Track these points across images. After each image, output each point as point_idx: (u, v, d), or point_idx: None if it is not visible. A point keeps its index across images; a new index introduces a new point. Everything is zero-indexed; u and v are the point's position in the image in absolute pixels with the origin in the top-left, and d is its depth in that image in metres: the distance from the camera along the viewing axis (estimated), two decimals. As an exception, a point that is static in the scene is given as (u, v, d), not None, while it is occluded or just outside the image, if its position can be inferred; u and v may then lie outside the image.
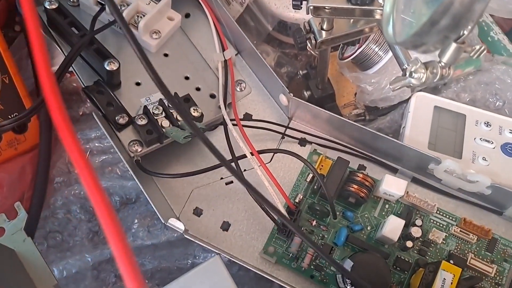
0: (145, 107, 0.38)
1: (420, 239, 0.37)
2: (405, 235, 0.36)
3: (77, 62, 0.39)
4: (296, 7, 0.33)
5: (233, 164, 0.37)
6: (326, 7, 0.32)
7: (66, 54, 0.38)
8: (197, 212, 0.39)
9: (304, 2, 0.33)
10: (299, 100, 0.39)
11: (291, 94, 0.39)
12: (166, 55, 0.42)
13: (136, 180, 0.35)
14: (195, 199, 0.39)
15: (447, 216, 0.38)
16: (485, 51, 0.26)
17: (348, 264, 0.33)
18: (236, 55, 0.44)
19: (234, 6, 0.46)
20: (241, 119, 0.41)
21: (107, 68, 0.37)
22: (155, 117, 0.37)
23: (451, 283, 0.33)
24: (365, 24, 0.35)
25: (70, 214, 0.41)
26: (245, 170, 0.38)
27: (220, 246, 0.38)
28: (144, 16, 0.40)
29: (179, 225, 0.35)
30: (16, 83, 0.40)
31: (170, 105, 0.38)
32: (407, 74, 0.29)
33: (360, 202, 0.38)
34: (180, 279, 0.30)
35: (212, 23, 0.44)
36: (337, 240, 0.37)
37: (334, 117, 0.39)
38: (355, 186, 0.37)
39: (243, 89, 0.43)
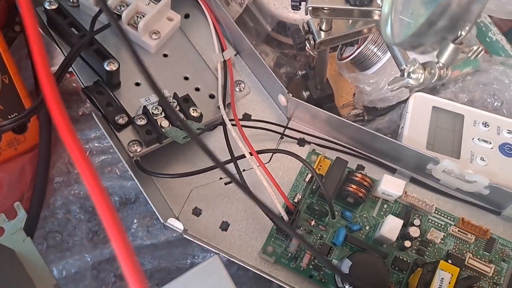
0: (145, 107, 0.38)
1: (419, 239, 0.37)
2: (404, 235, 0.36)
3: (77, 62, 0.39)
4: (295, 7, 0.33)
5: (232, 164, 0.37)
6: (325, 8, 0.32)
7: (66, 55, 0.38)
8: (196, 212, 0.39)
9: (303, 3, 0.33)
10: (298, 100, 0.39)
11: (290, 95, 0.39)
12: (165, 55, 0.42)
13: (136, 180, 0.35)
14: (194, 199, 0.39)
15: (445, 216, 0.38)
16: (482, 52, 0.26)
17: (346, 264, 0.33)
18: (235, 55, 0.44)
19: (233, 6, 0.46)
20: (240, 119, 0.41)
21: (107, 68, 0.37)
22: (155, 117, 0.37)
23: (449, 282, 0.33)
24: (364, 25, 0.36)
25: (69, 214, 0.41)
26: (244, 170, 0.38)
27: (219, 246, 0.38)
28: (143, 16, 0.40)
29: (178, 225, 0.35)
30: (16, 83, 0.40)
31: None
32: (405, 74, 0.29)
33: (359, 202, 0.38)
34: (179, 279, 0.30)
35: (211, 24, 0.44)
36: (335, 240, 0.37)
37: (333, 118, 0.39)
38: (354, 186, 0.37)
39: (242, 89, 0.43)
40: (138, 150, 0.37)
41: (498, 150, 0.40)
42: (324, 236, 0.38)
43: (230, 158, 0.38)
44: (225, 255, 0.36)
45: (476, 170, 0.38)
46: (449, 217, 0.38)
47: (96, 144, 0.43)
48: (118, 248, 0.14)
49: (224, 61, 0.43)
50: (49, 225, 0.41)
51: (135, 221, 0.41)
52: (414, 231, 0.36)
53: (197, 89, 0.41)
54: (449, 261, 0.35)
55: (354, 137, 0.40)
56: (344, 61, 0.46)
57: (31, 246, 0.32)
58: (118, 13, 0.39)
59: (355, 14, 0.32)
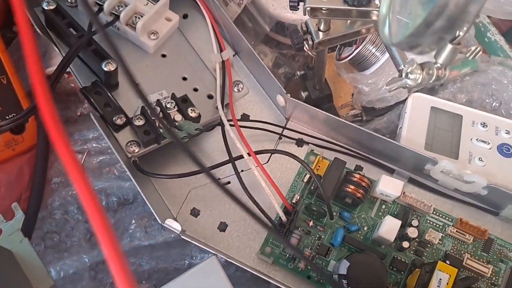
0: (143, 107, 0.38)
1: (417, 239, 0.37)
2: (402, 235, 0.36)
3: (75, 62, 0.39)
4: (293, 8, 0.33)
5: (230, 164, 0.37)
6: (323, 8, 0.32)
7: (64, 55, 0.38)
8: (195, 212, 0.39)
9: (301, 3, 0.33)
10: (296, 100, 0.39)
11: (289, 95, 0.39)
12: (164, 55, 0.42)
13: (133, 180, 0.35)
14: (193, 199, 0.39)
15: (444, 217, 0.38)
16: (480, 52, 0.26)
17: (344, 265, 0.33)
18: (233, 55, 0.44)
19: (231, 7, 0.46)
20: (238, 120, 0.41)
21: (105, 69, 0.37)
22: (153, 118, 0.37)
23: (447, 283, 0.33)
24: (362, 25, 0.36)
25: (67, 214, 0.41)
26: (242, 170, 0.38)
27: (217, 246, 0.38)
28: (142, 17, 0.40)
29: (176, 226, 0.35)
30: (14, 83, 0.40)
31: (167, 106, 0.38)
32: (403, 75, 0.29)
33: (357, 202, 0.38)
34: (176, 280, 0.30)
35: (210, 24, 0.44)
36: (333, 241, 0.37)
37: (331, 118, 0.39)
38: (352, 187, 0.37)
39: (240, 89, 0.43)
40: (136, 150, 0.37)
41: (497, 150, 0.40)
42: (322, 236, 0.37)
43: (228, 158, 0.37)
44: (223, 256, 0.35)
45: (474, 171, 0.38)
46: (447, 218, 0.38)
47: (94, 145, 0.43)
48: (109, 254, 0.14)
49: (223, 62, 0.43)
50: (47, 225, 0.41)
51: (133, 221, 0.41)
52: (412, 232, 0.36)
53: (195, 90, 0.41)
54: (447, 261, 0.35)
55: (353, 138, 0.40)
56: (343, 61, 0.46)
57: (28, 247, 0.32)
58: (117, 14, 0.39)
59: (353, 14, 0.33)
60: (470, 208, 0.39)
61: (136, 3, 0.40)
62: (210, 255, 0.38)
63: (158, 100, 0.39)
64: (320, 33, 0.35)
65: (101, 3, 0.39)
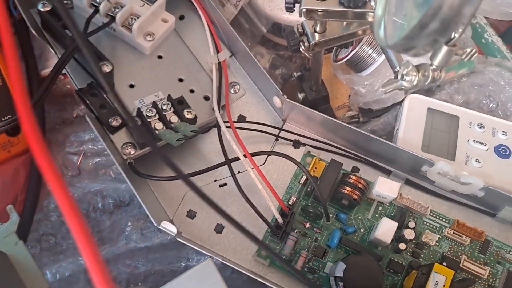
0: (139, 109, 0.38)
1: (413, 241, 0.37)
2: (398, 237, 0.36)
3: (71, 64, 0.39)
4: (289, 9, 0.33)
5: (226, 166, 0.37)
6: (319, 10, 0.32)
7: (59, 56, 0.38)
8: (191, 214, 0.39)
9: (297, 5, 0.33)
10: (293, 102, 0.39)
11: (285, 96, 0.39)
12: (160, 57, 0.42)
13: (129, 182, 0.35)
14: (189, 201, 0.39)
15: (440, 218, 0.38)
16: (476, 54, 0.26)
17: (341, 267, 0.33)
18: (230, 57, 0.44)
19: (228, 8, 0.46)
20: (235, 121, 0.41)
21: (100, 70, 0.37)
22: (149, 120, 0.37)
23: (444, 285, 0.33)
24: (358, 27, 0.36)
25: (63, 217, 0.41)
26: (238, 172, 0.38)
27: (214, 248, 0.37)
28: (138, 18, 0.40)
29: (171, 228, 0.34)
30: (9, 85, 0.40)
31: (163, 108, 0.38)
32: (399, 76, 0.29)
33: (354, 204, 0.38)
34: (172, 283, 0.30)
35: (206, 25, 0.44)
36: (330, 243, 0.37)
37: (328, 119, 0.39)
38: (348, 189, 0.37)
39: (237, 91, 0.43)
40: (132, 152, 0.37)
41: (494, 151, 0.40)
42: (319, 238, 0.37)
43: (224, 160, 0.37)
44: (219, 258, 0.35)
45: (471, 172, 0.38)
46: (444, 219, 0.38)
47: (90, 146, 0.43)
48: (87, 258, 0.14)
49: (219, 63, 0.42)
50: (43, 228, 0.41)
51: (129, 223, 0.41)
52: (409, 234, 0.36)
53: (191, 91, 0.41)
54: (444, 263, 0.35)
55: (349, 139, 0.40)
56: (339, 62, 0.46)
57: (23, 250, 0.32)
58: (112, 15, 0.39)
59: (349, 16, 0.32)
60: (467, 210, 0.39)
61: (132, 4, 0.40)
62: (206, 257, 0.38)
63: (154, 101, 0.38)
64: (316, 35, 0.35)
65: (97, 4, 0.39)
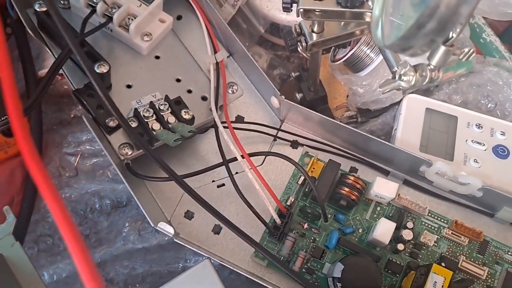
0: (136, 109, 0.38)
1: (412, 241, 0.37)
2: (397, 237, 0.36)
3: (68, 64, 0.38)
4: (286, 9, 0.33)
5: (224, 167, 0.37)
6: (316, 10, 0.32)
7: (56, 57, 0.38)
8: (188, 215, 0.39)
9: (294, 5, 0.33)
10: (291, 102, 0.39)
11: (283, 97, 0.38)
12: (157, 57, 0.42)
13: (126, 183, 0.35)
14: (186, 202, 0.39)
15: (439, 219, 0.38)
16: (474, 54, 0.26)
17: (339, 268, 0.33)
18: (228, 57, 0.44)
19: (226, 8, 0.46)
20: (233, 122, 0.40)
21: (97, 70, 0.36)
22: (146, 120, 0.37)
23: (442, 286, 0.32)
24: (356, 27, 0.35)
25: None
26: (236, 172, 0.38)
27: (212, 249, 0.37)
28: (135, 18, 0.39)
29: (168, 229, 0.34)
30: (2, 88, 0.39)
31: (160, 108, 0.38)
32: (397, 76, 0.29)
33: (352, 204, 0.37)
34: (169, 284, 0.30)
35: (203, 25, 0.43)
36: (328, 243, 0.37)
37: (326, 120, 0.39)
38: (346, 189, 0.37)
39: (235, 91, 0.43)
40: (129, 153, 0.37)
41: (492, 152, 0.40)
42: (317, 239, 0.37)
43: (221, 161, 0.37)
44: (216, 259, 0.35)
45: (469, 172, 0.38)
46: (442, 220, 0.38)
47: (87, 147, 0.43)
48: (77, 261, 0.14)
49: (217, 63, 0.42)
50: (40, 228, 0.41)
51: (127, 224, 0.41)
52: (407, 234, 0.36)
53: (189, 91, 0.41)
54: (443, 264, 0.35)
55: (347, 139, 0.40)
56: (337, 62, 0.46)
57: (20, 251, 0.32)
58: (110, 15, 0.39)
59: (346, 16, 0.32)
60: (466, 210, 0.39)
61: (129, 4, 0.40)
62: (204, 258, 0.38)
63: (151, 102, 0.38)
64: (314, 35, 0.35)
65: (94, 4, 0.39)
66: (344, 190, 0.37)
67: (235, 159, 0.37)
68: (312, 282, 0.36)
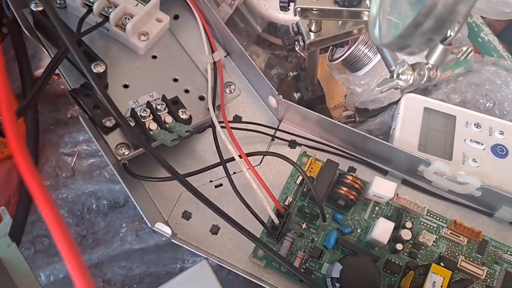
0: (133, 109, 0.37)
1: (410, 241, 0.36)
2: (395, 237, 0.36)
3: (64, 64, 0.38)
4: (283, 8, 0.33)
5: (221, 167, 0.37)
6: (314, 9, 0.32)
7: (52, 57, 0.38)
8: (186, 215, 0.38)
9: (292, 4, 0.32)
10: (288, 102, 0.38)
11: (280, 96, 0.38)
12: (154, 57, 0.42)
13: (123, 184, 0.35)
14: (184, 202, 0.39)
15: (437, 218, 0.38)
16: (472, 53, 0.26)
17: (337, 268, 0.33)
18: (225, 57, 0.44)
19: (223, 7, 0.46)
20: (230, 121, 0.40)
21: (94, 70, 0.36)
22: (143, 120, 0.37)
23: (441, 286, 0.32)
24: (354, 26, 0.35)
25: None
26: (234, 173, 0.38)
27: (210, 250, 0.37)
28: (132, 17, 0.39)
29: (166, 230, 0.34)
30: None
31: (158, 108, 0.38)
32: (395, 76, 0.28)
33: (350, 204, 0.37)
34: (167, 284, 0.30)
35: (201, 25, 0.43)
36: (327, 243, 0.37)
37: (324, 119, 0.38)
38: (345, 189, 0.37)
39: (232, 91, 0.43)
40: (126, 153, 0.37)
41: (490, 151, 0.40)
42: (315, 239, 0.37)
43: (219, 160, 0.37)
44: (214, 260, 0.35)
45: (468, 172, 0.38)
46: (441, 219, 0.38)
47: (84, 147, 0.43)
48: (69, 264, 0.13)
49: (214, 63, 0.42)
50: (37, 229, 0.40)
51: (124, 225, 0.40)
52: (406, 234, 0.36)
53: (186, 91, 0.41)
54: (442, 263, 0.35)
55: (346, 139, 0.40)
56: (335, 62, 0.45)
57: (16, 252, 0.32)
58: (106, 15, 0.39)
59: (344, 15, 0.32)
60: (464, 210, 0.39)
61: (126, 4, 0.39)
62: (201, 258, 0.38)
63: (148, 102, 0.38)
64: (312, 34, 0.35)
65: (90, 4, 0.39)
66: (342, 190, 0.37)
67: (232, 159, 0.37)
68: (312, 278, 0.36)
